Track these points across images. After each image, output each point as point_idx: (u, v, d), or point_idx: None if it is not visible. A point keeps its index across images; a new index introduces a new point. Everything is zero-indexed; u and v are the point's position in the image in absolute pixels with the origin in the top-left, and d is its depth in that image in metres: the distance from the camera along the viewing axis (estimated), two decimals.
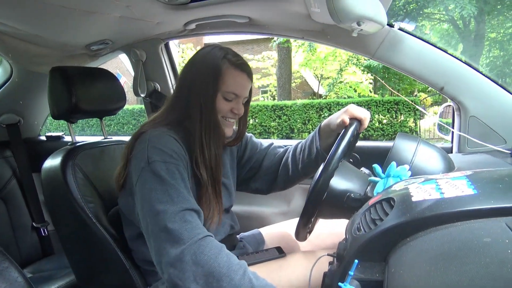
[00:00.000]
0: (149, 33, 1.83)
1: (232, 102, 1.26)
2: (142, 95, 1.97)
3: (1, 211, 2.04)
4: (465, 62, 1.47)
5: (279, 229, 1.59)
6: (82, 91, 1.50)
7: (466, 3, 9.55)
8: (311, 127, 11.36)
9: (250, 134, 1.57)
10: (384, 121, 11.02)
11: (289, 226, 1.57)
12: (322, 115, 11.24)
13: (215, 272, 0.98)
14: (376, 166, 1.11)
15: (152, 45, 1.91)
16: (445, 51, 1.47)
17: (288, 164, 1.47)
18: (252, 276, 1.00)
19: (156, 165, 1.10)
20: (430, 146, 1.22)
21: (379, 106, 10.95)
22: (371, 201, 0.90)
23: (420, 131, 11.43)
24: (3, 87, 2.14)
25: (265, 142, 1.57)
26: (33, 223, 2.16)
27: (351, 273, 0.70)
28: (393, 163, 1.08)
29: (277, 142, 1.62)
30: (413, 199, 0.76)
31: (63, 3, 1.34)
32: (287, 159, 1.48)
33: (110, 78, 1.65)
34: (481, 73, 1.46)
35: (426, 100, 16.86)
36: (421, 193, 0.77)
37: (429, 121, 12.23)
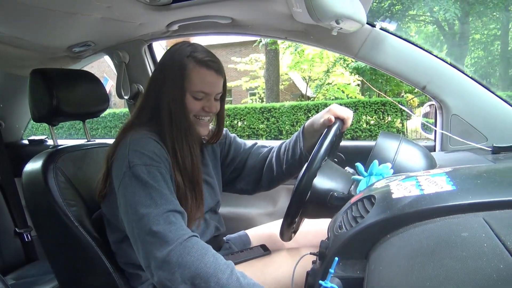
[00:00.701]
0: (132, 35, 1.81)
1: (202, 101, 1.24)
2: (126, 97, 1.96)
3: None
4: (446, 61, 1.49)
5: (265, 230, 1.58)
6: (63, 93, 1.48)
7: (449, 5, 9.69)
8: (299, 128, 11.39)
9: (234, 135, 1.56)
10: (372, 122, 11.11)
11: (275, 227, 1.56)
12: (310, 117, 11.26)
13: (202, 272, 0.98)
14: (358, 165, 1.11)
15: (135, 46, 1.90)
16: (427, 51, 1.49)
17: (272, 164, 1.46)
18: (240, 275, 1.00)
19: (137, 168, 1.09)
20: (413, 144, 1.23)
21: (366, 107, 11.03)
22: (353, 199, 0.90)
23: (407, 132, 11.55)
24: None
25: (248, 142, 1.57)
26: (16, 229, 2.12)
27: (331, 270, 0.70)
28: (375, 161, 1.08)
29: (264, 142, 1.62)
30: (394, 196, 0.76)
31: (43, 4, 1.33)
32: (271, 159, 1.47)
33: (92, 80, 1.63)
34: (462, 72, 1.48)
35: (413, 101, 17.02)
36: (401, 190, 0.77)
37: (416, 121, 12.36)
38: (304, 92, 17.17)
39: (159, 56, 1.68)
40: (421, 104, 16.63)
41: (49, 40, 1.69)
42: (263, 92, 16.22)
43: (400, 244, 0.66)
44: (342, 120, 1.28)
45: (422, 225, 0.67)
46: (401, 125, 11.12)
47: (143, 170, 1.08)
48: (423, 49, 1.49)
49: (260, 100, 17.45)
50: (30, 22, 1.49)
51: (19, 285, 1.82)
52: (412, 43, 1.49)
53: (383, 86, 15.92)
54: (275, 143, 1.54)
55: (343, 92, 14.74)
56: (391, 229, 0.70)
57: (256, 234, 1.56)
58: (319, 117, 1.35)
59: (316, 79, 15.82)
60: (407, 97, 17.07)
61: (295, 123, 11.53)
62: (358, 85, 15.85)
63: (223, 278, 0.98)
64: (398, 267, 0.61)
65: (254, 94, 18.23)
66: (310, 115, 11.33)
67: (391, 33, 1.49)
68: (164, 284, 0.99)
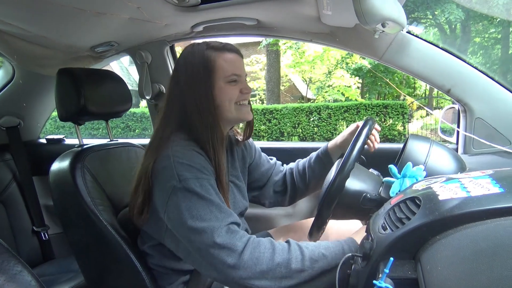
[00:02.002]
0: (156, 35, 1.82)
1: (238, 84, 1.25)
2: (147, 97, 1.97)
3: (1, 215, 2.02)
4: (471, 64, 1.50)
5: (286, 230, 1.59)
6: (90, 92, 1.49)
7: (454, 8, 9.74)
8: (300, 130, 11.41)
9: (259, 148, 1.60)
10: None
11: (296, 227, 1.58)
12: (312, 118, 11.30)
13: (280, 261, 1.00)
14: (392, 167, 1.12)
15: (157, 47, 1.91)
16: (452, 53, 1.50)
17: (295, 180, 1.55)
18: (304, 247, 1.03)
19: (189, 182, 1.06)
20: (442, 147, 1.24)
21: (368, 110, 11.05)
22: (393, 201, 0.91)
23: (408, 134, 11.57)
24: (4, 89, 2.11)
25: (270, 158, 1.63)
26: (34, 227, 2.13)
27: (386, 270, 0.71)
28: (409, 164, 1.09)
29: (267, 144, 1.65)
30: (440, 197, 0.77)
31: (74, 4, 1.33)
32: (292, 175, 1.56)
33: (117, 80, 1.65)
34: (487, 75, 1.49)
35: (413, 104, 17.09)
36: (447, 192, 0.78)
37: (417, 124, 12.38)
38: (304, 94, 17.19)
39: None
40: (419, 107, 16.72)
41: (74, 40, 1.70)
42: (264, 94, 16.23)
43: (454, 245, 0.67)
44: (373, 119, 1.29)
45: (472, 227, 0.68)
46: (402, 128, 11.14)
47: (195, 184, 1.06)
48: (449, 52, 1.50)
49: (260, 102, 17.45)
50: (57, 22, 1.50)
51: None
52: (438, 46, 1.50)
53: (383, 89, 15.99)
54: (278, 145, 1.57)
55: (343, 94, 14.76)
56: (440, 231, 0.71)
57: (277, 234, 1.57)
58: (343, 134, 1.46)
59: (316, 81, 15.84)
60: (407, 100, 17.14)
61: (296, 125, 11.54)
62: (358, 87, 15.89)
63: (298, 256, 1.00)
64: (459, 267, 0.62)
65: (254, 96, 18.23)
66: (311, 116, 11.35)
67: (416, 36, 1.50)
68: (247, 285, 1.00)
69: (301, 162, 1.58)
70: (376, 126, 1.37)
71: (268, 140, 11.67)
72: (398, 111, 10.85)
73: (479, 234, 0.66)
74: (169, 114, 1.24)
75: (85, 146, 1.51)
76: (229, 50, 1.24)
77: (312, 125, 11.32)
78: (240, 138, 1.47)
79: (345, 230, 1.46)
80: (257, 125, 11.80)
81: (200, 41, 1.33)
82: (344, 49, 1.68)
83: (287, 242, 1.05)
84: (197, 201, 1.04)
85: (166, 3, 1.40)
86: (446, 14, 10.12)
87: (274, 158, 1.63)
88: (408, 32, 1.50)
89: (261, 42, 13.63)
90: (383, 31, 1.12)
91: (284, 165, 1.63)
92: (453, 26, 12.57)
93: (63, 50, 1.77)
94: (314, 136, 11.20)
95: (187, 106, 1.20)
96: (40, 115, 2.27)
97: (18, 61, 1.88)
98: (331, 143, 1.51)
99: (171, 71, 1.94)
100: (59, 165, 1.41)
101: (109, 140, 1.72)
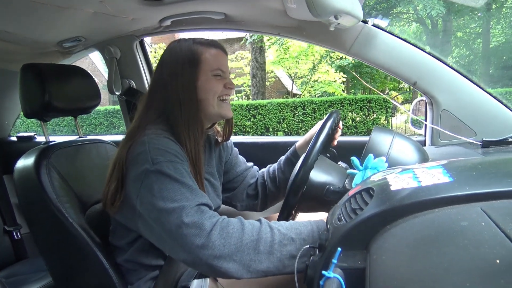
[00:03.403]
0: (124, 30, 1.80)
1: (222, 79, 1.27)
2: (117, 93, 1.94)
3: None
4: (437, 57, 1.51)
5: None
6: (55, 88, 1.46)
7: (435, 3, 9.83)
8: (285, 125, 11.44)
9: (237, 150, 1.61)
10: (357, 119, 11.21)
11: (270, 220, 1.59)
12: (297, 114, 11.34)
13: (248, 242, 0.97)
14: (354, 159, 1.13)
15: (126, 42, 1.89)
16: (418, 47, 1.52)
17: (265, 184, 1.55)
18: (276, 226, 1.01)
19: (163, 165, 1.05)
20: (405, 138, 1.25)
21: (352, 104, 11.12)
22: (350, 192, 0.91)
23: (392, 128, 11.69)
24: None
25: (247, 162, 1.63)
26: (5, 226, 2.10)
27: (334, 261, 0.71)
28: (371, 155, 1.10)
29: (253, 138, 1.65)
30: (392, 188, 0.77)
31: None
32: (263, 179, 1.57)
33: (84, 75, 1.62)
34: (452, 68, 1.51)
35: (397, 98, 17.25)
36: (399, 182, 0.79)
37: (401, 118, 12.50)
38: (290, 89, 17.23)
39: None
40: (405, 101, 16.89)
41: (40, 35, 1.67)
42: (249, 90, 16.22)
43: (401, 235, 0.68)
44: (338, 112, 1.30)
45: (421, 216, 0.68)
46: (386, 122, 11.24)
47: (169, 166, 1.05)
48: (415, 46, 1.52)
49: (246, 98, 17.43)
50: (21, 16, 1.47)
51: (10, 283, 1.80)
52: (404, 40, 1.52)
53: (368, 84, 16.10)
54: (264, 139, 1.58)
55: (326, 91, 14.84)
56: (390, 220, 0.72)
57: None
58: (309, 133, 1.47)
59: (302, 77, 15.89)
60: (392, 94, 17.30)
61: (281, 120, 11.57)
62: (343, 82, 15.97)
63: (267, 239, 0.98)
64: (401, 256, 0.62)
65: (240, 92, 18.20)
66: (296, 112, 11.38)
67: (383, 29, 1.51)
68: (215, 267, 0.96)
69: (272, 165, 1.59)
70: (340, 124, 1.39)
71: (253, 135, 11.67)
72: (381, 105, 10.94)
73: (424, 223, 0.67)
74: (150, 106, 1.25)
75: (51, 143, 1.48)
76: (215, 46, 1.27)
77: (297, 120, 11.36)
78: (220, 139, 1.48)
79: None
80: (242, 120, 11.79)
81: (186, 36, 1.34)
82: (312, 43, 1.68)
83: (259, 221, 1.03)
84: (169, 183, 1.03)
85: None
86: (428, 9, 10.20)
87: (252, 163, 1.63)
88: (374, 25, 1.51)
89: (245, 37, 13.60)
90: (338, 23, 1.12)
91: (260, 170, 1.64)
92: (435, 21, 12.69)
93: (29, 45, 1.73)
94: (299, 131, 11.24)
95: (169, 98, 1.21)
96: (8, 112, 2.23)
97: None
98: (299, 142, 1.51)
99: (141, 66, 1.93)
100: (24, 162, 1.38)
101: (78, 136, 1.69)
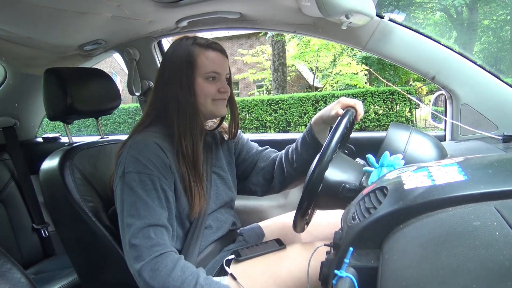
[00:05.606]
0: (142, 32, 1.83)
1: (216, 82, 1.28)
2: (137, 94, 1.98)
3: (1, 213, 2.05)
4: (455, 51, 1.49)
5: (278, 222, 1.60)
6: (77, 91, 1.51)
7: None
8: (307, 120, 11.38)
9: (247, 138, 1.59)
10: (380, 112, 11.06)
11: (288, 218, 1.58)
12: (318, 108, 11.25)
13: (170, 287, 1.06)
14: (369, 156, 1.13)
15: (145, 43, 1.92)
16: (436, 40, 1.49)
17: (283, 165, 1.48)
18: (204, 283, 1.07)
19: (129, 176, 1.13)
20: (423, 134, 1.24)
21: (375, 97, 10.97)
22: (365, 191, 0.91)
23: (416, 121, 11.48)
24: None
25: (260, 146, 1.60)
26: (33, 225, 2.17)
27: (346, 260, 0.72)
28: (386, 153, 1.09)
29: (273, 136, 1.64)
30: (405, 187, 0.77)
31: (54, 4, 1.34)
32: (281, 160, 1.49)
33: (104, 77, 1.66)
34: (471, 61, 1.47)
35: (422, 89, 16.89)
36: (413, 181, 0.78)
37: (425, 110, 12.26)
38: (311, 83, 17.11)
39: None
40: (430, 92, 16.55)
41: (61, 39, 1.72)
42: (270, 84, 16.19)
43: (413, 234, 0.68)
44: (354, 110, 1.27)
45: (434, 215, 0.68)
46: (410, 114, 11.05)
47: (134, 178, 1.13)
48: (432, 39, 1.49)
49: (267, 92, 17.41)
50: (42, 22, 1.51)
51: (38, 279, 1.87)
52: (421, 33, 1.49)
53: (391, 76, 15.82)
54: (285, 136, 1.55)
55: (347, 84, 14.66)
56: (403, 219, 0.72)
57: (269, 226, 1.58)
58: (329, 110, 1.34)
59: (323, 70, 15.75)
60: (416, 85, 16.95)
61: (303, 115, 11.52)
62: (366, 74, 15.75)
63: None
64: (411, 256, 0.62)
65: (261, 86, 18.20)
66: (318, 106, 11.31)
67: (399, 24, 1.49)
68: None
69: (291, 146, 1.53)
70: (357, 117, 1.34)
71: (274, 130, 11.67)
72: (405, 97, 10.74)
73: (437, 222, 0.66)
74: (153, 105, 1.30)
75: (74, 144, 1.53)
76: (213, 48, 1.27)
77: None
78: (226, 137, 1.49)
79: (332, 223, 1.48)
80: (263, 115, 11.79)
81: (192, 35, 1.35)
82: (328, 39, 1.67)
83: (196, 271, 1.11)
84: (130, 196, 1.12)
85: (146, 0, 1.41)
86: None
87: (267, 146, 1.60)
88: (391, 20, 1.49)
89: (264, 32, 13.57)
90: (350, 22, 1.11)
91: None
92: (460, 9, 12.35)
93: (50, 50, 1.79)
94: None
95: (168, 97, 1.25)
96: (34, 115, 2.30)
97: (7, 62, 1.90)
98: (315, 118, 1.42)
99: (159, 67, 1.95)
100: (49, 164, 1.43)
101: (100, 137, 1.74)
